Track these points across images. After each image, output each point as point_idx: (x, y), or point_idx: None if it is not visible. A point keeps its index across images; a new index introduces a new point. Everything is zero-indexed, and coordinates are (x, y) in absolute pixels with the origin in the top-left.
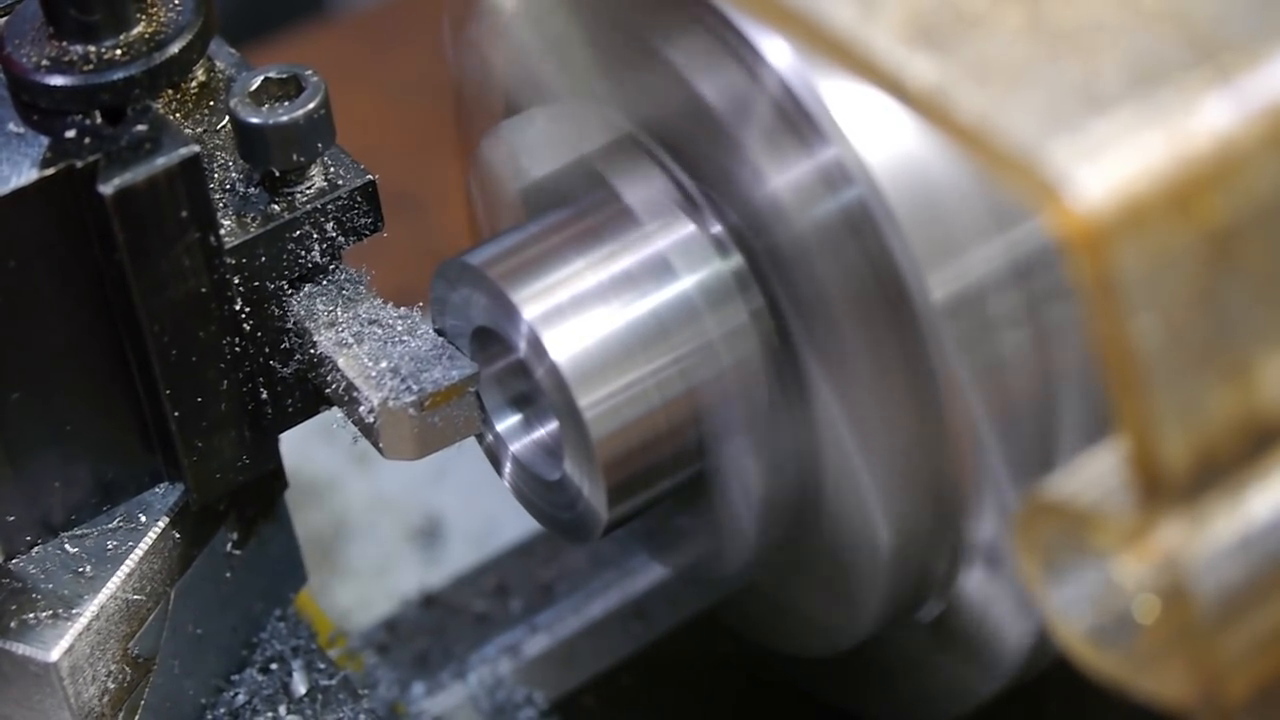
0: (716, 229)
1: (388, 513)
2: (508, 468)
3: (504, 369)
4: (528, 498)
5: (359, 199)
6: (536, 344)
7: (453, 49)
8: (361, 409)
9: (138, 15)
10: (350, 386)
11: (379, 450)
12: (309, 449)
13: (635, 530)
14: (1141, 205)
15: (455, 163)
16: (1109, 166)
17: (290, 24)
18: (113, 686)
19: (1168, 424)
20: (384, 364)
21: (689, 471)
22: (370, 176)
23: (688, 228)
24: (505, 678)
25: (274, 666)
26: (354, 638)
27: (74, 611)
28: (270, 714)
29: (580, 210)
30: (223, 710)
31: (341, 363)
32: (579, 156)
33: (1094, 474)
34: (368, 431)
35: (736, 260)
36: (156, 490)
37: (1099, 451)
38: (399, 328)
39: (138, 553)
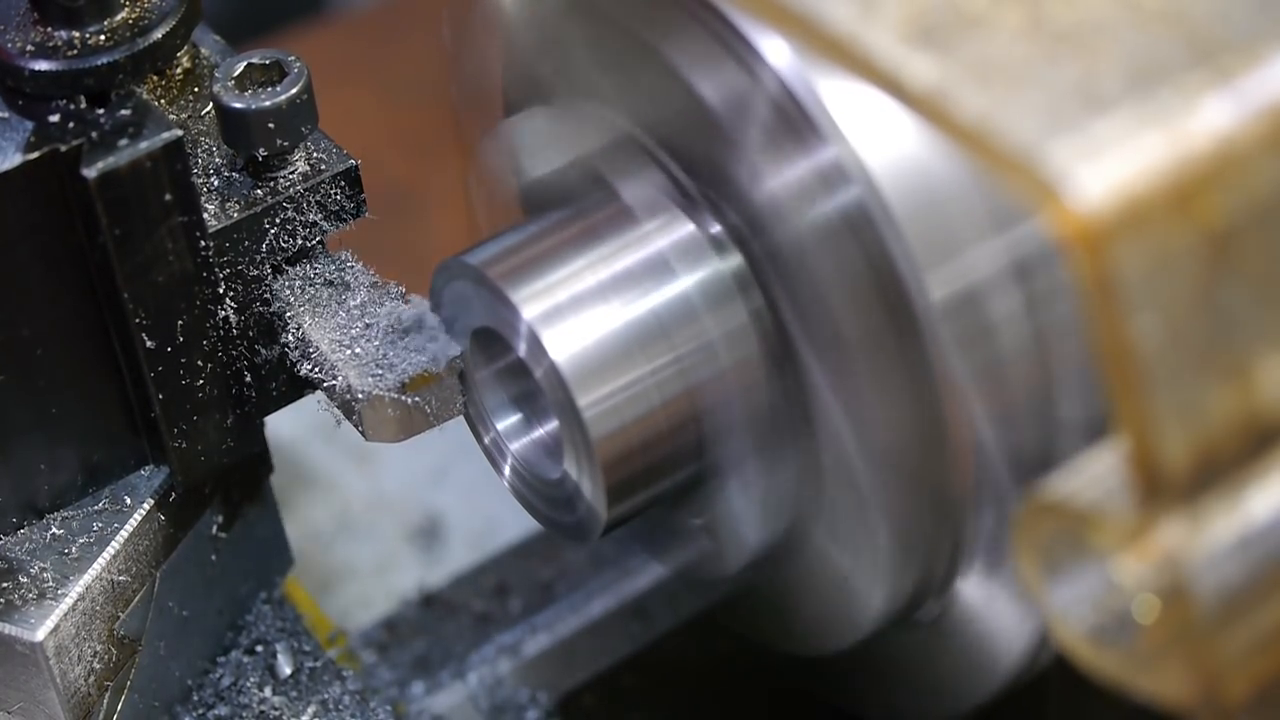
0: (716, 229)
1: (388, 513)
2: (507, 467)
3: (504, 368)
4: (527, 497)
5: (342, 183)
6: (536, 343)
7: (453, 49)
8: (344, 392)
9: (122, 1)
10: (332, 369)
11: (361, 433)
12: (309, 448)
13: (635, 530)
14: (1141, 205)
15: (455, 163)
16: (1109, 166)
17: (290, 24)
18: (99, 667)
19: (1168, 424)
20: (366, 347)
21: (689, 471)
22: (353, 161)
23: (687, 228)
24: (505, 677)
25: (259, 648)
26: (354, 637)
27: (60, 592)
28: (256, 695)
29: (580, 210)
30: (209, 691)
31: (324, 346)
32: (579, 156)
33: (1094, 474)
34: (349, 414)
35: (736, 260)
36: (142, 472)
37: (1099, 451)
38: (383, 310)
39: (123, 534)
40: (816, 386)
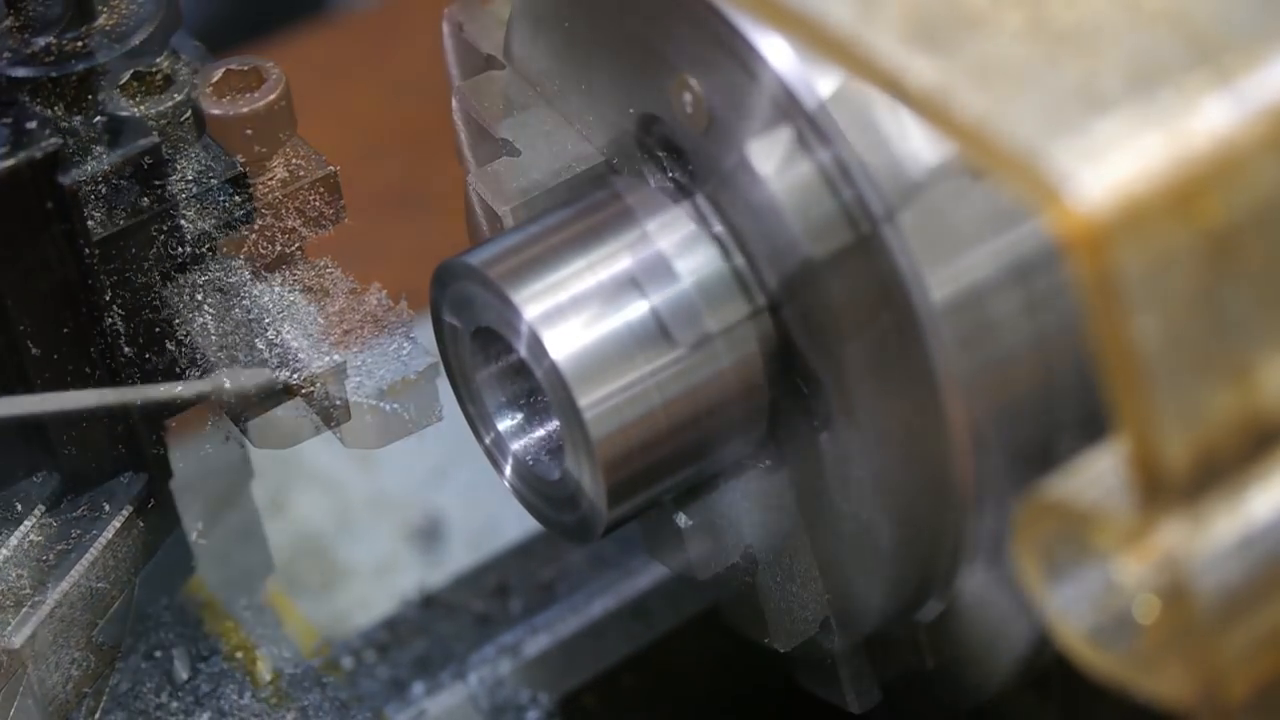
0: (717, 229)
1: (388, 513)
2: (508, 468)
3: (504, 368)
4: (528, 498)
5: (321, 189)
6: (536, 344)
7: (453, 49)
8: (322, 399)
9: (100, 8)
10: (314, 378)
11: (340, 440)
12: (309, 449)
13: (635, 530)
14: (1142, 205)
15: (455, 163)
16: (1109, 167)
17: (290, 24)
18: (77, 674)
19: (1168, 424)
20: (345, 353)
21: (690, 472)
22: (332, 168)
23: (688, 228)
24: (505, 678)
25: (158, 654)
26: (355, 638)
27: (37, 600)
28: (153, 700)
29: (580, 210)
30: (105, 697)
31: (303, 356)
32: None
33: (1094, 474)
34: (329, 421)
35: (737, 260)
36: (121, 479)
37: (1099, 451)
38: (361, 315)
39: (101, 541)
40: (817, 386)
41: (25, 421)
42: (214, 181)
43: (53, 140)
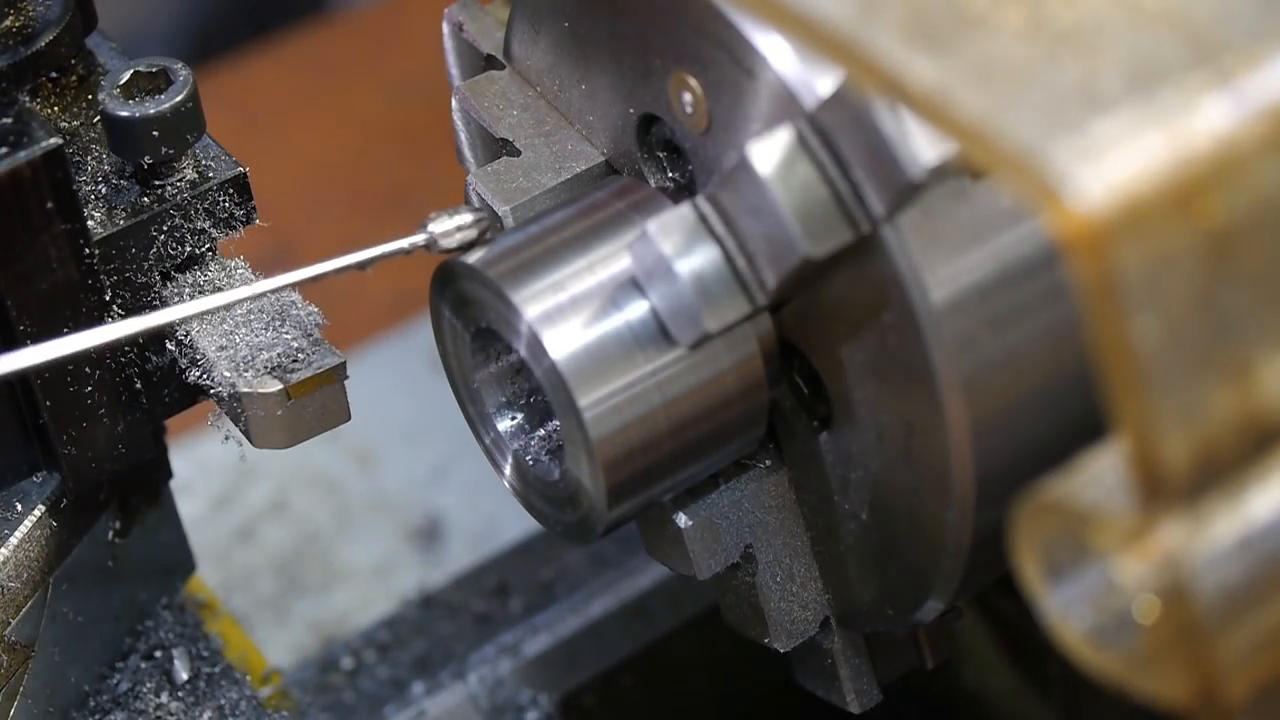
0: (717, 229)
1: (388, 513)
2: (508, 468)
3: (504, 369)
4: (528, 498)
5: (230, 190)
6: (536, 344)
7: (453, 49)
8: (230, 398)
9: (6, 10)
10: (219, 376)
11: (249, 439)
12: (309, 449)
13: (635, 530)
14: (1141, 206)
15: (455, 163)
16: (1109, 167)
17: (290, 24)
18: None
19: (1168, 424)
20: (253, 354)
21: (689, 471)
22: (241, 169)
23: (688, 227)
24: (505, 678)
25: (157, 654)
26: (355, 638)
27: None
28: (152, 700)
29: (580, 210)
30: (105, 697)
31: (211, 353)
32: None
33: (1094, 474)
34: (237, 420)
35: (737, 260)
36: (34, 479)
37: (1099, 451)
38: (271, 317)
39: (13, 541)
40: (817, 386)
41: (27, 419)
42: (213, 182)
43: (53, 140)
